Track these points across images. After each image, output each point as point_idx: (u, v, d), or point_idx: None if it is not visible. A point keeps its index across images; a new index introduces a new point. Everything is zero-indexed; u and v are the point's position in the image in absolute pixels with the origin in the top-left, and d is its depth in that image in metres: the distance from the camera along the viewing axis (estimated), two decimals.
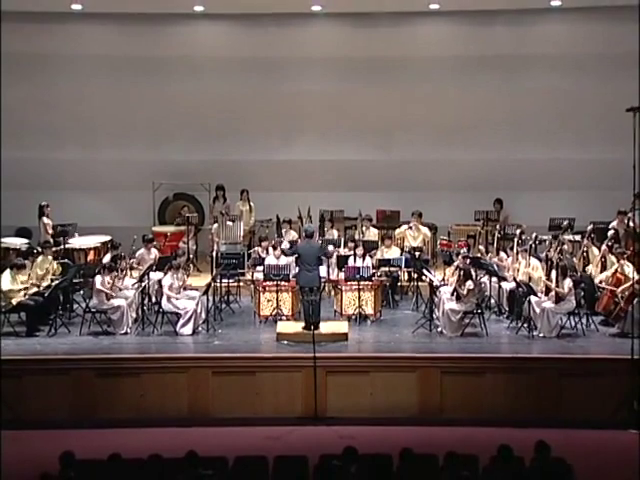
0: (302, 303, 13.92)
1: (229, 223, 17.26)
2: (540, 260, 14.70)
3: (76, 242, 16.47)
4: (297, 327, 13.72)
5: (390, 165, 18.98)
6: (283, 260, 15.03)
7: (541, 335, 13.55)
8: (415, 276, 15.66)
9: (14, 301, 13.84)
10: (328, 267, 15.19)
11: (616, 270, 14.04)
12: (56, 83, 18.75)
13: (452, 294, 13.90)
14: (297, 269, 14.04)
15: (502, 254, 15.52)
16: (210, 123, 19.11)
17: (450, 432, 11.76)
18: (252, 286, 15.25)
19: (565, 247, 15.18)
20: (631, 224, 15.46)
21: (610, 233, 15.50)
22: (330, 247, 15.11)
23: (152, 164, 18.85)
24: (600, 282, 14.30)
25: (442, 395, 12.46)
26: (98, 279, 13.94)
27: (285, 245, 15.61)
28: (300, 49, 18.89)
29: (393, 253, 15.82)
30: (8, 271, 13.97)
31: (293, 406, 12.49)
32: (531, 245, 15.07)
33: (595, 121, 18.37)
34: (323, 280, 14.54)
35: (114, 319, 13.92)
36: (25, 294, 13.93)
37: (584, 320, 13.96)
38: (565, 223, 16.39)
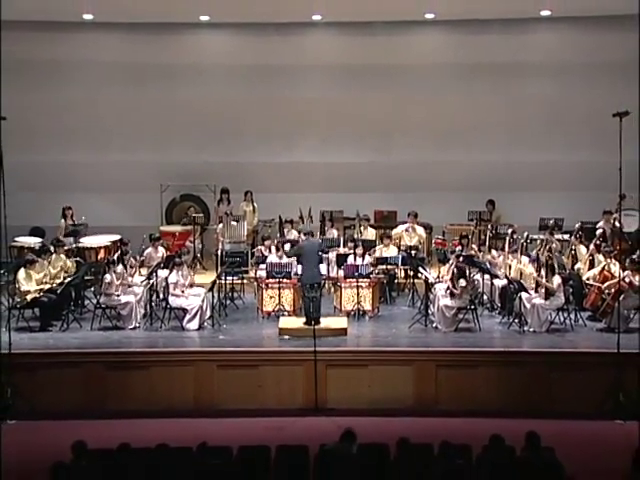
0: (303, 299, 13.95)
1: (233, 223, 17.27)
2: (531, 258, 14.71)
3: (87, 241, 16.49)
4: (298, 322, 13.74)
5: (387, 167, 18.98)
6: (285, 258, 15.06)
7: (531, 330, 13.58)
8: (411, 274, 15.66)
9: (28, 297, 13.88)
10: (328, 265, 15.24)
11: (603, 268, 14.08)
12: (68, 89, 18.71)
13: (446, 291, 13.92)
14: (299, 267, 14.09)
15: (494, 252, 15.55)
16: (215, 127, 19.11)
17: (445, 423, 11.79)
18: (255, 283, 15.25)
19: (554, 245, 15.20)
20: (617, 224, 15.48)
21: (598, 232, 15.54)
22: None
23: (160, 166, 18.84)
24: (587, 279, 14.34)
25: (437, 387, 12.50)
26: (107, 277, 13.98)
27: (287, 247, 15.53)
28: (301, 56, 18.89)
29: (391, 252, 15.85)
30: (23, 269, 14.00)
31: (294, 398, 12.52)
32: (522, 244, 15.10)
33: (583, 125, 18.35)
34: (323, 278, 14.58)
35: (123, 315, 13.96)
36: (39, 291, 13.97)
37: (572, 316, 13.99)
38: (551, 222, 16.40)
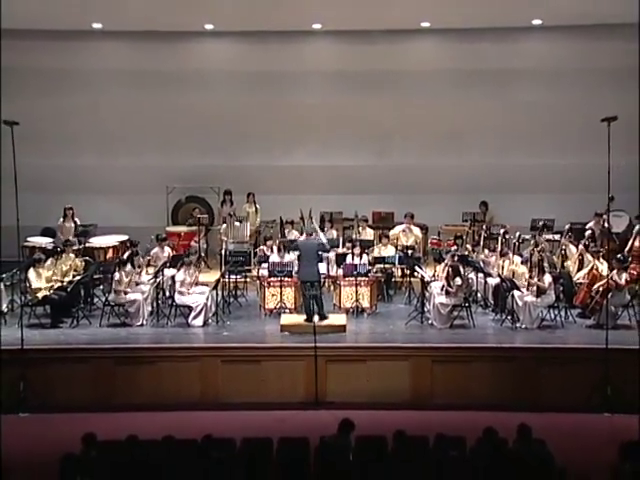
0: (303, 297, 13.97)
1: (236, 224, 17.30)
2: (523, 258, 14.74)
3: (96, 241, 16.53)
4: (299, 319, 13.75)
5: (385, 170, 19.00)
6: (286, 258, 15.10)
7: (523, 327, 13.61)
8: (408, 272, 15.69)
9: (39, 295, 13.92)
10: (328, 264, 15.27)
11: (592, 267, 14.12)
12: (78, 95, 18.73)
13: (442, 289, 13.96)
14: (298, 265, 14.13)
15: (487, 252, 15.59)
16: (219, 131, 19.14)
17: (440, 416, 11.82)
18: (258, 282, 15.29)
19: (543, 245, 15.23)
20: (606, 225, 15.52)
21: (587, 233, 15.58)
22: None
23: (165, 169, 18.88)
24: (577, 279, 14.38)
25: (432, 382, 12.51)
26: (116, 275, 14.02)
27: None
28: (302, 64, 18.93)
29: (388, 251, 15.89)
30: (32, 268, 14.05)
31: (296, 392, 12.54)
32: (514, 244, 15.14)
33: (573, 130, 18.37)
34: (323, 276, 14.61)
35: (131, 312, 13.99)
36: (50, 289, 14.02)
37: (563, 313, 14.01)
38: (541, 223, 16.44)
